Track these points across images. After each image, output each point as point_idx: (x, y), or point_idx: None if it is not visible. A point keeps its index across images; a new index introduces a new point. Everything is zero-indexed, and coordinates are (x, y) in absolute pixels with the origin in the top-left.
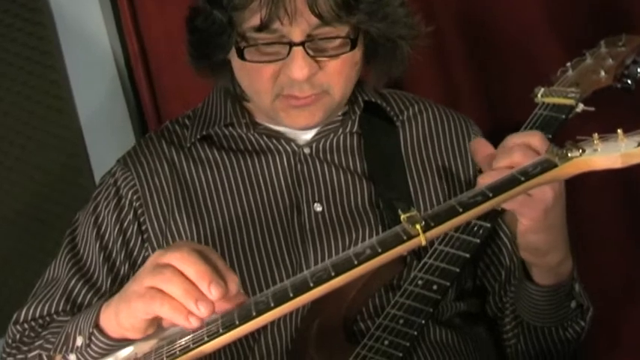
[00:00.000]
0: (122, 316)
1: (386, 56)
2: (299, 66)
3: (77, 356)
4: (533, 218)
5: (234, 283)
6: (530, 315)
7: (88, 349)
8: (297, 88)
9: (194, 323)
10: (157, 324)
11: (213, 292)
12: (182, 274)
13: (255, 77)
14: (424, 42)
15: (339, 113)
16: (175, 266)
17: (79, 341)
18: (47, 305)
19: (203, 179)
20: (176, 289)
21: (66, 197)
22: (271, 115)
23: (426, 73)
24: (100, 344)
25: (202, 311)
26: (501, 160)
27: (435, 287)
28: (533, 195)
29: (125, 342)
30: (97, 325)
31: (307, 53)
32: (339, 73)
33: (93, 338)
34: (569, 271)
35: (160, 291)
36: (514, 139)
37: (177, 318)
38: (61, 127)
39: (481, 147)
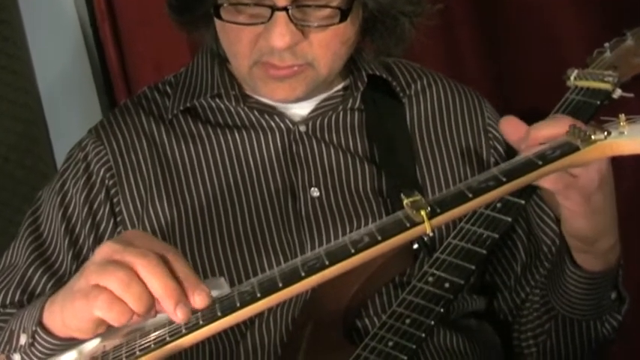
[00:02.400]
0: (67, 314)
1: (384, 33)
2: (280, 33)
3: (22, 356)
4: (577, 202)
5: (204, 297)
6: (569, 307)
7: (32, 349)
8: (277, 57)
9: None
10: (104, 325)
11: (179, 316)
12: (141, 280)
13: (233, 39)
14: (430, 20)
15: (340, 87)
16: (135, 270)
17: (23, 340)
18: (1, 295)
19: (186, 156)
20: (131, 296)
21: (22, 170)
22: (249, 83)
23: (431, 54)
24: (45, 344)
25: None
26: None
27: (447, 285)
28: (579, 176)
29: (74, 342)
30: (40, 323)
31: (290, 19)
32: (326, 46)
33: (37, 337)
34: (617, 257)
35: (105, 290)
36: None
37: (120, 323)
38: (17, 90)
39: (514, 126)
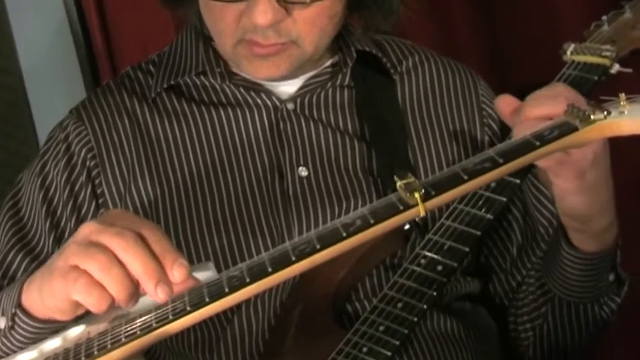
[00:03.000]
0: (45, 294)
1: (373, 7)
2: (262, 10)
3: (2, 340)
4: (569, 178)
5: (182, 271)
6: (566, 289)
7: (13, 332)
8: (261, 35)
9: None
10: (84, 308)
11: (160, 295)
12: (119, 262)
13: (217, 17)
14: None
15: (328, 64)
16: (114, 251)
17: (2, 323)
18: None
19: (169, 135)
20: (111, 282)
21: (5, 154)
22: (233, 61)
23: (423, 31)
24: (26, 327)
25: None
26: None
27: (439, 268)
28: (572, 154)
29: (57, 324)
30: (19, 305)
31: None
32: (311, 23)
33: (17, 319)
34: (613, 237)
35: (85, 274)
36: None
37: (98, 309)
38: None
39: (509, 104)
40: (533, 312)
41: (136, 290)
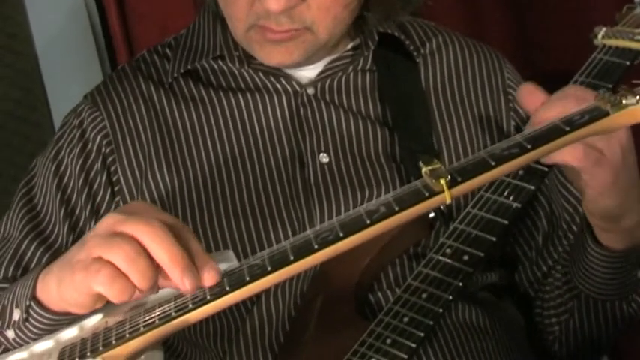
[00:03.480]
0: (65, 287)
1: None
2: None
3: (16, 332)
4: (605, 180)
5: (212, 273)
6: (593, 286)
7: (27, 324)
8: (274, 21)
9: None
10: (103, 300)
11: (187, 285)
12: (144, 250)
13: (229, 1)
14: None
15: (349, 47)
16: (139, 240)
17: (17, 315)
18: None
19: (187, 121)
20: (136, 273)
21: (19, 139)
22: (245, 47)
23: (448, 13)
24: (41, 319)
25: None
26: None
27: (465, 258)
28: (604, 150)
29: (71, 317)
30: (34, 297)
31: None
32: (326, 10)
33: (31, 311)
34: None
35: (108, 264)
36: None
37: (121, 300)
38: (13, 54)
39: (531, 94)
40: (559, 307)
41: (157, 280)
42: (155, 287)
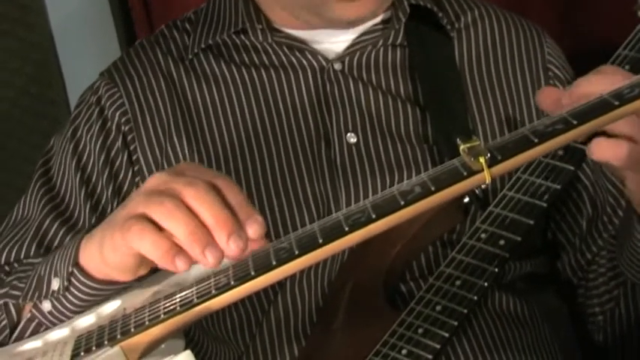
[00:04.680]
0: (106, 249)
1: None
2: None
3: (53, 303)
4: None
5: (258, 227)
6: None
7: (67, 294)
8: None
9: (182, 266)
10: (150, 265)
11: (232, 247)
12: (190, 210)
13: None
14: None
15: (379, 20)
16: (184, 200)
17: (55, 284)
18: (15, 250)
19: (208, 99)
20: (179, 228)
21: (32, 117)
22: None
23: None
24: (83, 287)
25: (210, 261)
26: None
27: (502, 242)
28: None
29: (116, 285)
30: (77, 264)
31: None
32: None
33: (73, 279)
34: None
35: (144, 219)
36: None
37: (161, 259)
38: (26, 27)
39: (548, 95)
40: (603, 295)
41: (204, 236)
42: (208, 249)
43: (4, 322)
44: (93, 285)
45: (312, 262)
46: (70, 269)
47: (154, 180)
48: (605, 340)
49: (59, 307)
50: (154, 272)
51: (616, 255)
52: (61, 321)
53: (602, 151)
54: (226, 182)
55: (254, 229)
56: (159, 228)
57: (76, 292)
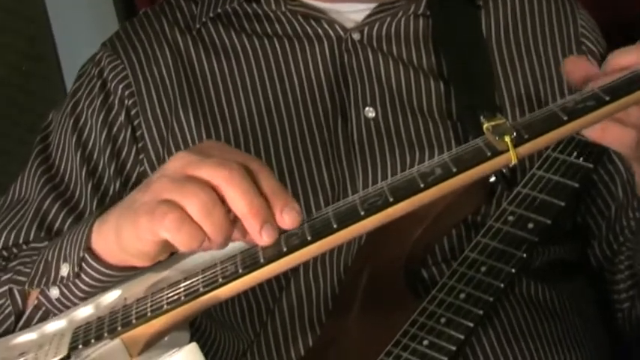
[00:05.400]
0: (125, 235)
1: None
2: None
3: (61, 289)
4: None
5: (294, 216)
6: None
7: (77, 281)
8: None
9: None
10: (170, 251)
11: (265, 238)
12: (220, 196)
13: None
14: None
15: None
16: (216, 186)
17: (65, 270)
18: (14, 233)
19: (217, 71)
20: (211, 225)
21: (25, 95)
22: None
23: None
24: (95, 273)
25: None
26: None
27: (530, 226)
28: None
29: (130, 272)
30: (88, 249)
31: None
32: None
33: (84, 265)
34: None
35: (177, 207)
36: None
37: (190, 248)
38: (19, 0)
39: (578, 65)
40: (621, 293)
41: (231, 233)
42: (228, 241)
43: (8, 310)
44: (106, 271)
45: (326, 249)
46: (82, 254)
47: (179, 161)
48: (632, 335)
49: (67, 293)
50: None
51: (633, 254)
52: (69, 308)
53: (607, 133)
54: (259, 166)
55: (291, 218)
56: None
57: (86, 279)
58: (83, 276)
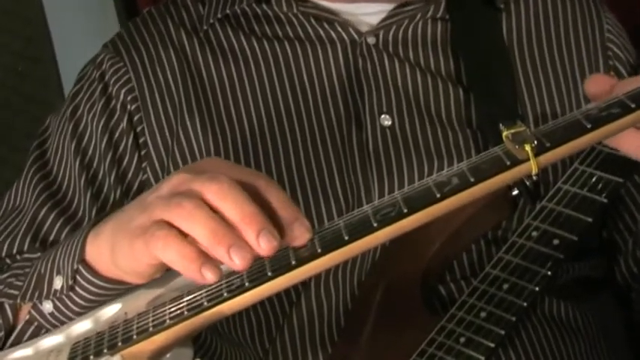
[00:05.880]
0: (120, 255)
1: None
2: None
3: (55, 304)
4: None
5: (302, 230)
6: None
7: (71, 294)
8: None
9: (211, 277)
10: (164, 268)
11: (263, 246)
12: (211, 209)
13: None
14: None
15: None
16: (207, 200)
17: (58, 283)
18: (7, 243)
19: (224, 75)
20: (200, 229)
21: (20, 99)
22: None
23: None
24: (90, 286)
25: (237, 263)
26: None
27: (555, 242)
28: None
29: (126, 285)
30: (82, 260)
31: None
32: None
33: (78, 278)
34: None
35: (166, 225)
36: None
37: (188, 269)
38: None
39: (598, 84)
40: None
41: (230, 238)
42: (225, 245)
43: None
44: (101, 284)
45: (337, 262)
46: (76, 266)
47: (174, 180)
48: None
49: (62, 308)
50: None
51: None
52: (63, 324)
53: (625, 139)
54: (267, 181)
55: (301, 234)
56: (183, 234)
57: (81, 292)
58: (78, 289)
